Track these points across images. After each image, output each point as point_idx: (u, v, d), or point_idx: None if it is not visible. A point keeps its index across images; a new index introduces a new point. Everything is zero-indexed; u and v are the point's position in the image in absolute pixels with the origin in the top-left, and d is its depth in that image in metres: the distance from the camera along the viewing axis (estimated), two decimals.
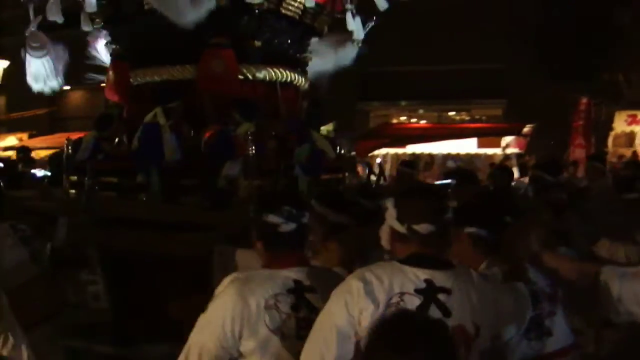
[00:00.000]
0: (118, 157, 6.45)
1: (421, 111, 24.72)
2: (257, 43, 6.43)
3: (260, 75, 6.48)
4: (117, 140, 6.74)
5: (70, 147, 6.67)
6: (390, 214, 2.75)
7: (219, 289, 2.90)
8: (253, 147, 6.04)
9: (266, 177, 6.02)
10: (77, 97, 24.26)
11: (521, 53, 19.63)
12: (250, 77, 6.43)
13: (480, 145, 20.53)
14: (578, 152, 18.28)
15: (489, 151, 20.33)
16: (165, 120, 6.11)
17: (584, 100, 18.32)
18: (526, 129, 19.05)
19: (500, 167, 8.37)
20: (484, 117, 24.15)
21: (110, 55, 6.98)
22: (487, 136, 20.53)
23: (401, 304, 2.54)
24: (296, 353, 2.69)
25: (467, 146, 20.41)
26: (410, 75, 21.99)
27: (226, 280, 2.91)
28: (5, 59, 17.70)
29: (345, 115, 20.25)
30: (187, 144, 6.16)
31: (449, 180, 6.11)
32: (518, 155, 18.67)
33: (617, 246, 4.52)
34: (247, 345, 2.75)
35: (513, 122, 20.31)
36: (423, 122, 24.00)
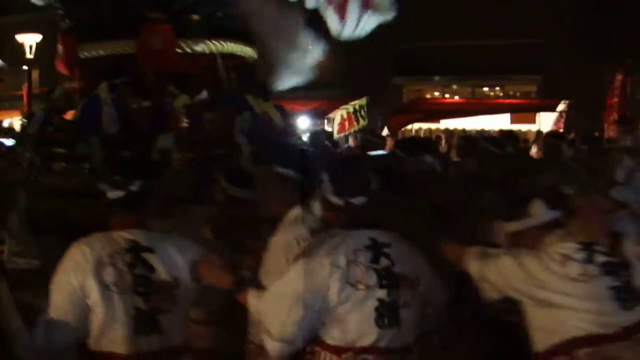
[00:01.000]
0: (66, 129, 6.59)
1: (455, 86, 24.52)
2: (196, 17, 6.46)
3: (199, 48, 6.50)
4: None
5: (26, 120, 6.86)
6: (326, 188, 3.09)
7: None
8: (186, 120, 6.11)
9: (201, 149, 6.08)
10: None
11: (557, 28, 19.19)
12: (189, 50, 6.47)
13: (514, 122, 20.25)
14: (613, 130, 17.83)
15: (523, 127, 20.01)
16: (108, 94, 6.24)
17: (619, 76, 17.82)
18: (561, 106, 18.68)
19: (467, 138, 8.23)
20: (518, 93, 23.78)
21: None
22: (521, 112, 20.23)
23: (358, 259, 2.94)
24: (133, 308, 2.92)
25: (501, 122, 20.14)
26: (444, 51, 21.75)
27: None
28: (37, 32, 18.10)
29: (378, 90, 20.17)
30: (129, 117, 6.26)
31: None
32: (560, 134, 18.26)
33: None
34: (92, 298, 2.92)
35: (547, 98, 19.92)
36: (456, 97, 23.75)
